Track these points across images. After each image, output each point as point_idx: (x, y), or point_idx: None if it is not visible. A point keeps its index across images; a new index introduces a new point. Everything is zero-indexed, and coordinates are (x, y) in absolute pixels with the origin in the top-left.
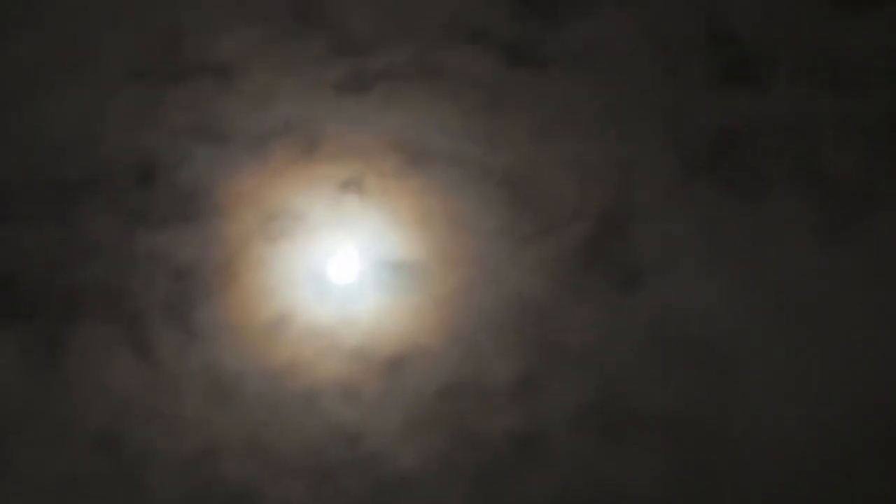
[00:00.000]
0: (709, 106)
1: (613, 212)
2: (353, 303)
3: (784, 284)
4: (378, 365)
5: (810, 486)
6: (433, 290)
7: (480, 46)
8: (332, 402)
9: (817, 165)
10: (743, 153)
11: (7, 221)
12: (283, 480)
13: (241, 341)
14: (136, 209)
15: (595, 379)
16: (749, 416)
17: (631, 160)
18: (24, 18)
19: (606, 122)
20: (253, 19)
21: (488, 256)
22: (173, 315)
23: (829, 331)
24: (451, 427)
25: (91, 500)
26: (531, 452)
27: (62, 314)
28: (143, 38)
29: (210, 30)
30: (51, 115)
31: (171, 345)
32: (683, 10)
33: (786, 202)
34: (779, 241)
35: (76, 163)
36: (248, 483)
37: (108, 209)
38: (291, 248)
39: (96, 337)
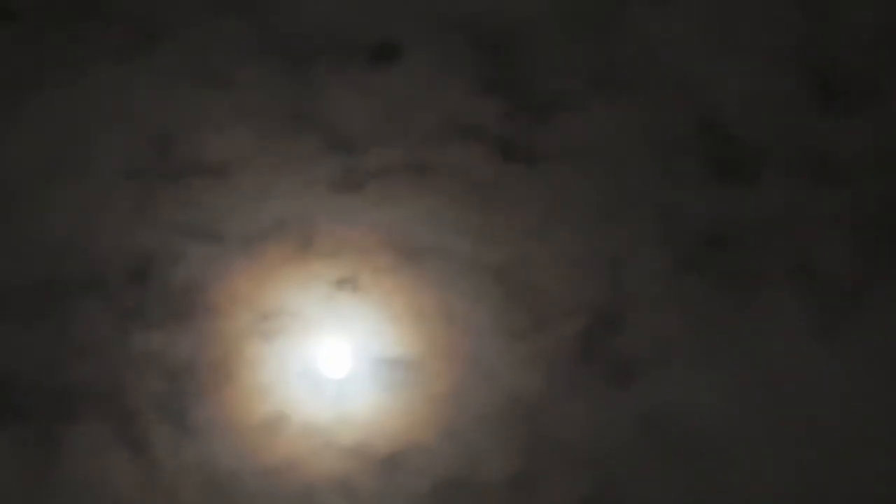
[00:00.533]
0: (701, 202)
1: (606, 307)
2: (348, 400)
3: (776, 380)
4: (374, 462)
5: None
6: (428, 387)
7: (473, 143)
8: (329, 500)
9: (809, 263)
10: (735, 250)
11: (0, 321)
12: None
13: (236, 439)
14: (130, 308)
15: (590, 475)
16: None
17: (623, 256)
18: (18, 118)
19: (599, 217)
20: (247, 119)
21: (482, 352)
22: (169, 413)
23: (822, 426)
24: None
25: None
26: None
27: (57, 414)
28: (137, 138)
29: (204, 129)
30: (45, 214)
31: (167, 443)
32: (674, 107)
33: (778, 299)
34: (771, 337)
35: (70, 262)
36: None
37: (102, 308)
38: (286, 345)
39: (92, 436)
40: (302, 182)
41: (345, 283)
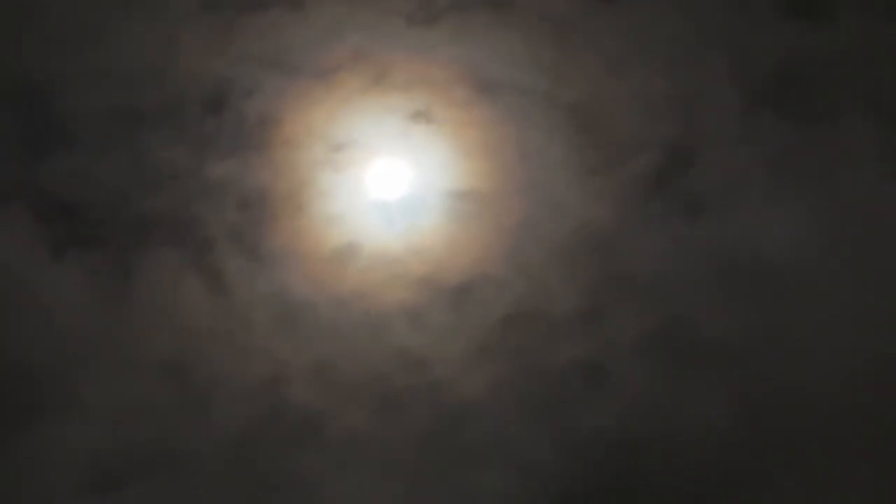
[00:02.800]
0: (775, 37)
1: (679, 143)
2: (419, 231)
3: (849, 213)
4: (444, 293)
5: (874, 417)
6: (499, 220)
7: None
8: (399, 330)
9: (883, 98)
10: (809, 84)
11: (77, 151)
12: (348, 407)
13: (308, 269)
14: (204, 138)
15: (660, 308)
16: (817, 347)
17: (697, 92)
18: None
19: (674, 55)
20: None
21: (554, 186)
22: (241, 243)
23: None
24: (516, 356)
25: (158, 429)
26: (596, 382)
27: (131, 243)
28: None
29: None
30: (122, 45)
31: (239, 272)
32: None
33: (851, 131)
34: (844, 170)
35: (146, 92)
36: (313, 410)
37: (177, 138)
38: (359, 177)
39: (165, 265)
40: (378, 15)
41: (419, 116)
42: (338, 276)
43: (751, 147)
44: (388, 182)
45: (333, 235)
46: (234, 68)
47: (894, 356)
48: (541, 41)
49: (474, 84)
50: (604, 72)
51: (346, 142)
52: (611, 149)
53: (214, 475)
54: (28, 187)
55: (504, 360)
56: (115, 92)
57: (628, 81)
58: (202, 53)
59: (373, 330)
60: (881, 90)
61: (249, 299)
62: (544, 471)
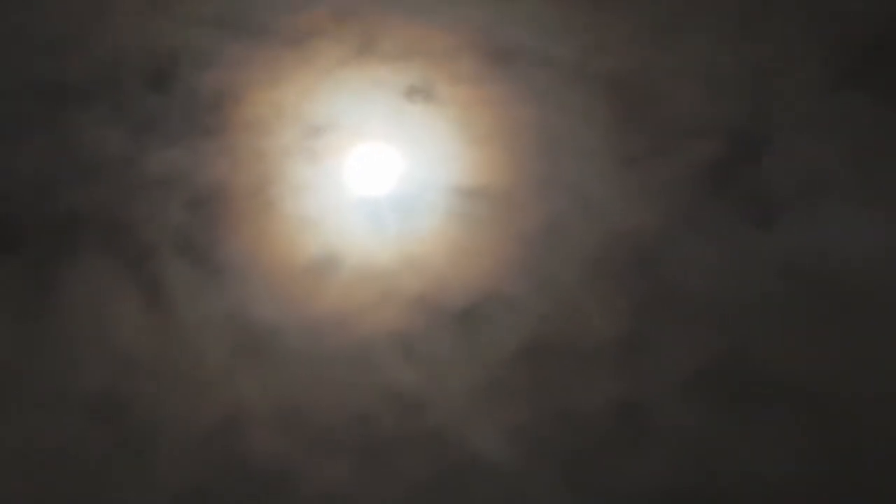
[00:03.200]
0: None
1: (745, 128)
2: (416, 239)
3: None
4: (446, 316)
5: None
6: (517, 224)
7: None
8: (388, 362)
9: None
10: None
11: None
12: (323, 458)
13: (275, 285)
14: (146, 119)
15: (716, 336)
16: None
17: (769, 65)
18: None
19: (738, 17)
20: None
21: (587, 182)
22: (190, 250)
23: None
24: (537, 396)
25: (89, 477)
26: (636, 426)
27: (55, 248)
28: None
29: None
30: (42, 4)
31: (189, 287)
32: None
33: None
34: None
35: (74, 61)
36: (280, 460)
37: (111, 119)
38: (341, 169)
39: (96, 276)
40: None
41: (416, 93)
42: (312, 294)
43: (835, 135)
44: (377, 176)
45: (308, 242)
46: (182, 31)
47: None
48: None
49: (485, 53)
50: (650, 37)
51: (325, 125)
52: (658, 135)
53: None
54: None
55: (521, 401)
56: (33, 61)
57: (682, 50)
58: (142, 12)
59: (356, 362)
60: None
61: (200, 321)
62: None
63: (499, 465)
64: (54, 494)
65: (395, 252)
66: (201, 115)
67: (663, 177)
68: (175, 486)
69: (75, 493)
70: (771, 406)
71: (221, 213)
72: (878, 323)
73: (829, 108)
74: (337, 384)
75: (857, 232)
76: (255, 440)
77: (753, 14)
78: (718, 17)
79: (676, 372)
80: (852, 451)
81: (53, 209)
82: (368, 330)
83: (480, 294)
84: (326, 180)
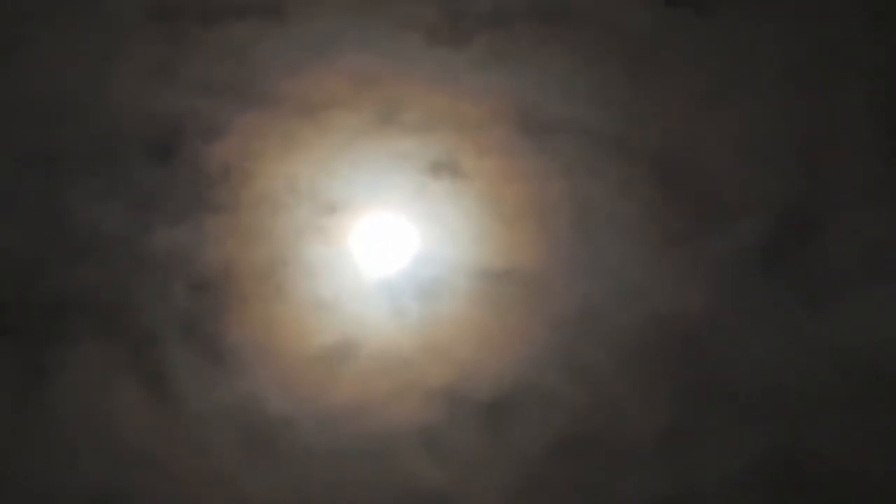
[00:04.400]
0: None
1: (798, 204)
2: (440, 325)
3: None
4: (473, 409)
5: None
6: (550, 309)
7: None
8: (410, 458)
9: None
10: None
11: None
12: None
13: (287, 374)
14: (148, 195)
15: (765, 430)
16: None
17: (825, 137)
18: None
19: (791, 84)
20: None
21: (626, 263)
22: (195, 337)
23: None
24: (572, 494)
25: None
26: None
27: (49, 332)
28: None
29: None
30: (39, 66)
31: (193, 376)
32: None
33: None
34: None
35: (71, 129)
36: None
37: (111, 194)
38: (358, 250)
39: (94, 363)
40: (387, 29)
41: (441, 168)
42: (327, 385)
43: (894, 211)
44: (398, 257)
45: (322, 328)
46: (188, 100)
47: None
48: (609, 66)
49: (517, 124)
50: (694, 107)
51: (341, 202)
52: (703, 212)
53: None
54: None
55: (555, 501)
56: (27, 132)
57: (728, 121)
58: (146, 79)
59: (374, 458)
60: None
61: (206, 413)
62: None
63: None
64: None
65: (417, 339)
66: (208, 191)
67: (708, 257)
68: None
69: None
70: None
71: (229, 296)
72: None
73: (888, 182)
74: (354, 482)
75: None
76: None
77: (805, 77)
78: (766, 85)
79: (722, 468)
80: None
81: (48, 291)
82: (388, 423)
83: (510, 384)
84: (343, 261)
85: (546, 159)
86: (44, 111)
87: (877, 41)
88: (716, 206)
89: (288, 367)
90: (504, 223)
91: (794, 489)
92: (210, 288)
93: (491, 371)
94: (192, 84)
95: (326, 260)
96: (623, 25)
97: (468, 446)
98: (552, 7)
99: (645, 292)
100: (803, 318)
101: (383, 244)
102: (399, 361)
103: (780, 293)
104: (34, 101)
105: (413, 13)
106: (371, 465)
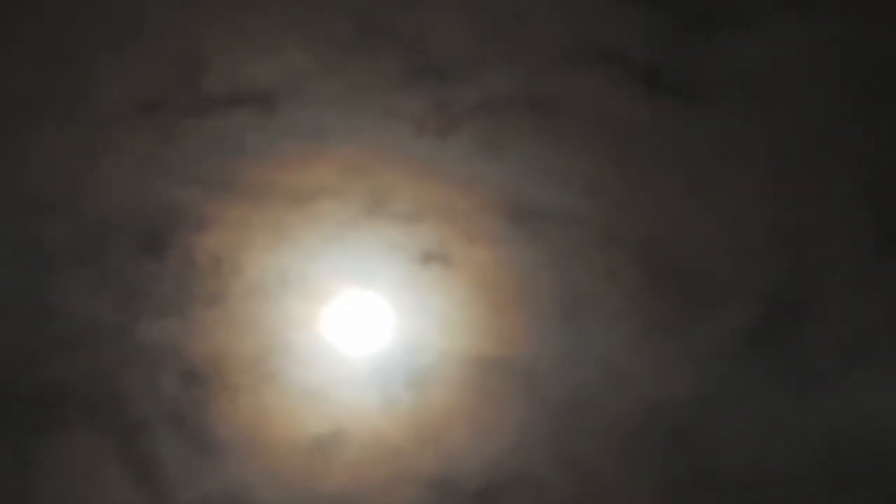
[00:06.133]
0: None
1: (785, 293)
2: (431, 413)
3: None
4: (463, 498)
5: None
6: (539, 397)
7: (608, 71)
8: None
9: None
10: None
11: None
12: None
13: (277, 463)
14: (137, 286)
15: None
16: None
17: (813, 225)
18: (4, 34)
19: (778, 172)
20: (300, 31)
21: (615, 351)
22: (185, 427)
23: None
24: None
25: None
26: None
27: (37, 423)
28: (153, 59)
29: (248, 49)
30: (27, 158)
31: (183, 466)
32: (886, 19)
33: None
34: None
35: (59, 221)
36: None
37: (100, 286)
38: (349, 338)
39: (82, 454)
40: (375, 118)
41: (430, 258)
42: (317, 474)
43: (880, 299)
44: (388, 346)
45: (312, 418)
46: (177, 192)
47: None
48: (597, 154)
49: (507, 213)
50: (683, 197)
51: (331, 291)
52: (691, 300)
53: None
54: None
55: None
56: (15, 222)
57: (715, 209)
58: (135, 170)
59: None
60: None
61: (195, 503)
62: None
63: None
64: None
65: (407, 427)
66: (197, 282)
67: (697, 345)
68: None
69: None
70: None
71: (218, 386)
72: None
73: (876, 270)
74: None
75: None
76: None
77: (790, 165)
78: (754, 174)
79: None
80: None
81: (36, 381)
82: None
83: (500, 473)
84: (332, 351)
85: (535, 248)
86: (33, 203)
87: (865, 130)
88: (703, 293)
89: (278, 457)
90: (494, 311)
91: None
92: (199, 378)
93: (480, 460)
94: (180, 175)
95: (316, 349)
96: (611, 114)
97: None
98: (540, 96)
99: (633, 379)
100: (791, 404)
101: (373, 333)
102: (389, 450)
103: (768, 379)
104: (23, 193)
105: (400, 103)
106: None
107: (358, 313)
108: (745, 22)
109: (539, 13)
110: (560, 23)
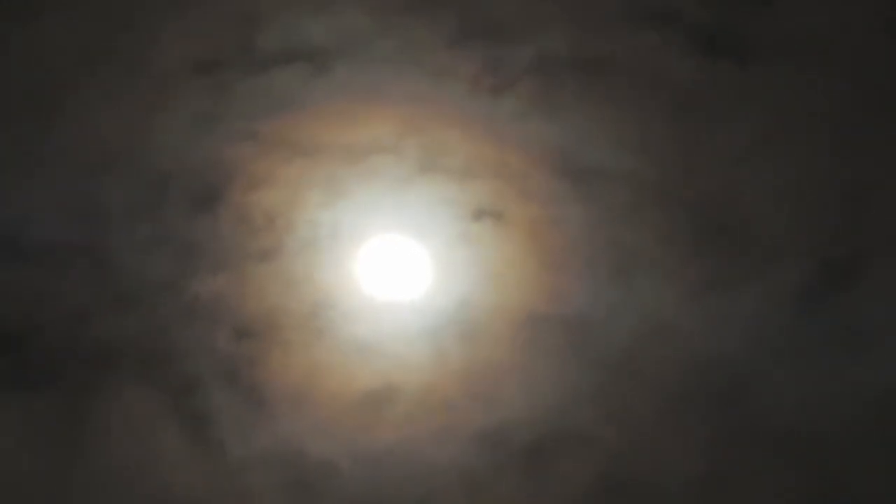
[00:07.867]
0: None
1: (840, 250)
2: (483, 369)
3: None
4: (514, 452)
5: None
6: (591, 354)
7: (663, 33)
8: (452, 500)
9: None
10: None
11: (22, 259)
12: None
13: (328, 418)
14: (192, 243)
15: (806, 474)
16: None
17: (867, 183)
18: None
19: (833, 132)
20: None
21: (666, 308)
22: (237, 382)
23: None
24: None
25: None
26: None
27: (92, 380)
28: (212, 19)
29: (303, 8)
30: (85, 121)
31: (236, 421)
32: None
33: None
34: None
35: (115, 179)
36: None
37: (154, 242)
38: (402, 295)
39: (136, 409)
40: (429, 77)
41: (484, 215)
42: (370, 429)
43: None
44: (441, 302)
45: (364, 373)
46: (232, 149)
47: None
48: (650, 114)
49: (560, 172)
50: (737, 156)
51: (384, 247)
52: (743, 259)
53: None
54: None
55: None
56: (73, 182)
57: (769, 168)
58: (190, 129)
59: (417, 499)
60: None
61: (248, 458)
62: None
63: None
64: None
65: (457, 383)
66: (251, 239)
67: (748, 303)
68: None
69: None
70: None
71: (271, 342)
72: None
73: None
74: None
75: None
76: None
77: (848, 125)
78: (808, 132)
79: None
80: None
81: (91, 339)
82: (431, 467)
83: (549, 428)
84: (384, 307)
85: (587, 206)
86: (89, 162)
87: None
88: (756, 251)
89: (329, 411)
90: (545, 268)
91: None
92: (252, 334)
93: (530, 414)
94: (236, 135)
95: (368, 305)
96: (665, 76)
97: (506, 489)
98: (594, 56)
99: (684, 336)
100: (843, 361)
101: (425, 288)
102: (439, 404)
103: (820, 336)
104: (80, 152)
105: (455, 62)
106: None
107: (410, 269)
108: None
109: None
110: None
